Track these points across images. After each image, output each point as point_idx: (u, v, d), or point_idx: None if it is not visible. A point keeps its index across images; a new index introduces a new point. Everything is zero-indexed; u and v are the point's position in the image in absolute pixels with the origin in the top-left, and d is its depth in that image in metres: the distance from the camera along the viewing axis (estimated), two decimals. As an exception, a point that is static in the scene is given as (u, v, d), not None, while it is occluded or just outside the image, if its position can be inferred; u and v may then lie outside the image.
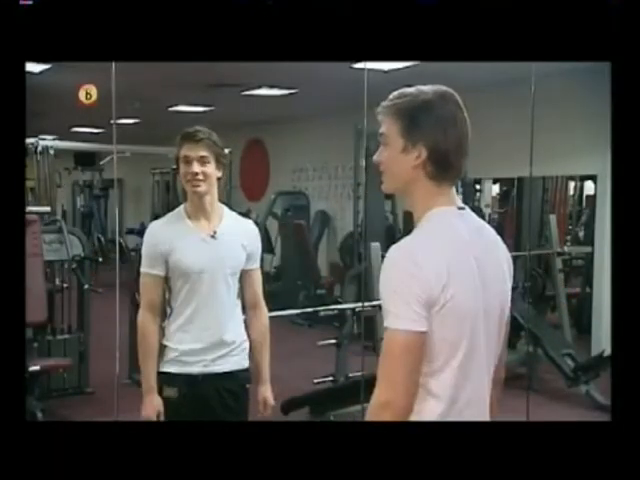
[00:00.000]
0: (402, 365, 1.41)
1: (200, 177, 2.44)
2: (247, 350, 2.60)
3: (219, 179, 2.52)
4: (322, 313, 5.26)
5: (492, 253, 1.56)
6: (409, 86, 1.54)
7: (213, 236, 2.49)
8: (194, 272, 2.45)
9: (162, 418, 2.46)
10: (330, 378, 5.03)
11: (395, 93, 1.54)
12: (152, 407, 2.47)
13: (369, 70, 3.48)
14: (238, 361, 2.54)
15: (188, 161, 2.45)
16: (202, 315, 2.47)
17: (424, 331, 1.41)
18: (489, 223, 1.68)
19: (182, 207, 2.56)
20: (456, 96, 1.52)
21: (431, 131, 1.48)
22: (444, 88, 1.53)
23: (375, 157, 1.57)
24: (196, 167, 2.44)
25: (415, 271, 1.40)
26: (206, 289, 2.46)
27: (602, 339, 6.09)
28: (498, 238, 1.62)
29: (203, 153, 2.44)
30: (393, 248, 1.46)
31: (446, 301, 1.41)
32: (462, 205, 1.56)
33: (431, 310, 1.41)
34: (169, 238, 2.47)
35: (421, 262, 1.41)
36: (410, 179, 1.52)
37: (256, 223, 2.87)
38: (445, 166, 1.50)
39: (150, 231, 2.55)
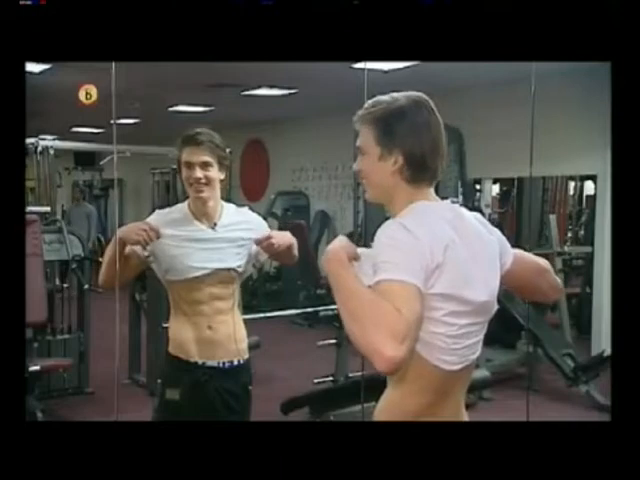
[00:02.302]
0: (407, 315, 1.32)
1: (203, 181, 2.43)
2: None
3: (222, 181, 2.51)
4: (322, 313, 5.26)
5: (477, 236, 1.57)
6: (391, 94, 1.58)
7: (214, 235, 2.49)
8: (193, 271, 2.44)
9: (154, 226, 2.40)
10: (330, 378, 5.03)
11: (370, 102, 1.58)
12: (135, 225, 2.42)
13: (369, 70, 3.48)
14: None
15: (190, 166, 2.43)
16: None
17: (420, 288, 1.37)
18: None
19: (186, 204, 2.54)
20: (429, 101, 1.56)
21: (406, 137, 1.51)
22: (417, 94, 1.57)
23: (354, 166, 1.61)
24: (199, 172, 2.42)
25: (414, 243, 1.41)
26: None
27: (602, 339, 6.09)
28: (485, 221, 1.64)
29: (205, 158, 2.42)
30: (384, 225, 1.46)
31: (435, 282, 1.42)
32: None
33: (427, 282, 1.41)
34: (168, 233, 2.45)
35: (415, 233, 1.42)
36: (389, 185, 1.55)
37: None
38: (422, 169, 1.53)
39: (155, 217, 2.52)
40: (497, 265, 1.59)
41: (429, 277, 1.41)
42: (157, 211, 2.60)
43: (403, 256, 1.39)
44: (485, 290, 1.53)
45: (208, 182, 2.44)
